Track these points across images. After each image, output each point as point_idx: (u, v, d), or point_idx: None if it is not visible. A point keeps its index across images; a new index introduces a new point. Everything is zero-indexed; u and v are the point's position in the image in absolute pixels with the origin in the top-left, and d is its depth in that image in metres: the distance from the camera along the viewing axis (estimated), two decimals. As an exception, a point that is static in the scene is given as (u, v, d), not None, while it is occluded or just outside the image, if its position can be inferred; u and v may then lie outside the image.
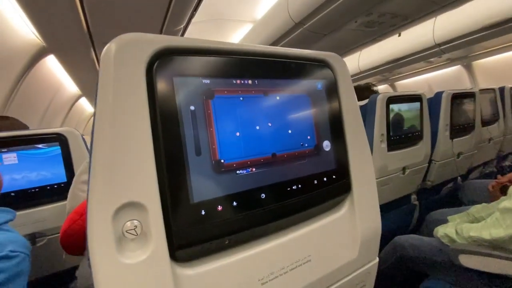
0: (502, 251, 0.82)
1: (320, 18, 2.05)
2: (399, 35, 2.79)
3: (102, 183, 0.27)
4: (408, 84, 4.84)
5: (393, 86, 5.07)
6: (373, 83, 4.83)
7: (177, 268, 0.31)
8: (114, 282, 0.27)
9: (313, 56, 0.46)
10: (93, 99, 4.29)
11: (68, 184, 1.04)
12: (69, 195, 0.74)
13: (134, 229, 0.29)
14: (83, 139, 1.11)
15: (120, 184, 0.28)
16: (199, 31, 2.97)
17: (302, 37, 2.44)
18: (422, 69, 4.26)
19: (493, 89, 2.00)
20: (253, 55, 0.39)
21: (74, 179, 0.74)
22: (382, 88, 5.12)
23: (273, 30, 2.51)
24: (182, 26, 1.84)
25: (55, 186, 1.02)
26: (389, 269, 1.13)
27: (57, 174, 1.02)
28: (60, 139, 1.02)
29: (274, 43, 2.62)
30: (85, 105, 4.61)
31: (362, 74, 4.22)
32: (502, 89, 2.13)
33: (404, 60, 3.50)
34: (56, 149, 1.01)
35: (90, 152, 0.29)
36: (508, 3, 2.32)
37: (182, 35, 2.02)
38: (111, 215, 0.27)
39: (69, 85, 3.29)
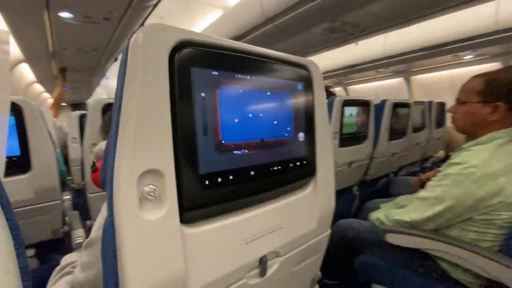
0: (418, 231, 1.05)
1: (292, 17, 2.17)
2: (356, 44, 3.10)
3: (129, 152, 0.32)
4: (359, 89, 5.37)
5: (345, 89, 5.57)
6: (330, 85, 5.20)
7: (183, 227, 0.38)
8: (136, 234, 0.33)
9: (297, 61, 0.55)
10: (36, 66, 3.71)
11: (21, 157, 0.97)
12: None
13: (153, 191, 0.34)
14: (40, 111, 1.03)
15: (145, 153, 0.33)
16: (165, 8, 2.83)
17: (271, 33, 2.53)
18: (372, 77, 4.77)
19: (423, 102, 2.40)
20: (252, 54, 0.47)
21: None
22: (337, 90, 5.58)
23: (243, 21, 2.55)
24: (154, 2, 1.76)
25: (7, 160, 0.93)
26: (332, 247, 1.32)
27: (9, 146, 0.94)
28: (14, 109, 0.93)
29: (243, 34, 2.66)
30: (26, 72, 3.97)
31: (323, 75, 4.54)
32: (430, 103, 2.56)
33: (358, 67, 3.89)
34: (10, 119, 0.92)
35: (115, 123, 0.33)
36: (441, 32, 2.77)
37: (152, 10, 1.92)
38: (136, 179, 0.33)
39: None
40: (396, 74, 4.39)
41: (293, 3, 2.03)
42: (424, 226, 1.03)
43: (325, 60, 4.12)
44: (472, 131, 1.01)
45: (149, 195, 0.34)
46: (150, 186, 0.34)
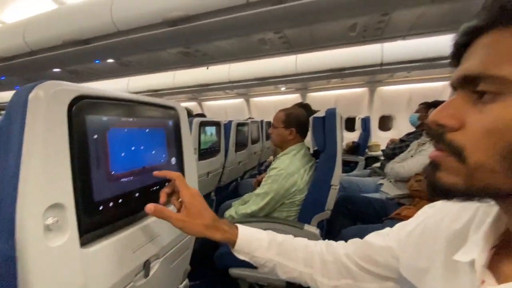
0: (256, 218, 1.46)
1: (146, 36, 2.21)
2: (207, 68, 3.56)
3: (34, 191, 0.38)
4: (212, 105, 6.01)
5: (200, 105, 6.06)
6: (184, 99, 5.43)
7: (82, 249, 0.45)
8: (42, 260, 0.38)
9: (168, 104, 0.72)
10: None
11: None
12: None
13: (56, 222, 0.41)
14: None
15: (48, 191, 0.39)
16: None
17: (124, 45, 2.43)
18: (221, 96, 5.51)
19: (257, 121, 3.15)
20: (135, 102, 0.59)
21: None
22: (192, 105, 5.95)
23: (89, 26, 2.29)
24: None
25: None
26: (198, 247, 1.53)
27: None
28: None
29: (89, 40, 2.39)
30: None
31: (176, 90, 4.73)
32: (262, 121, 3.39)
33: (209, 87, 4.40)
34: None
35: (13, 165, 0.37)
36: (267, 68, 3.74)
37: None
38: (42, 213, 0.38)
39: None
40: (239, 95, 5.36)
41: (145, 24, 2.10)
42: (260, 214, 1.45)
43: (180, 77, 4.35)
44: (281, 146, 1.56)
45: (53, 226, 0.40)
46: (53, 218, 0.40)
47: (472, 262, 0.36)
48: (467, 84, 0.31)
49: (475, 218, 0.42)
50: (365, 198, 1.82)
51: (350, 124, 5.07)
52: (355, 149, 3.52)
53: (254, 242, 0.61)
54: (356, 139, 4.21)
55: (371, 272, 0.56)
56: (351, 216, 1.81)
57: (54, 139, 0.41)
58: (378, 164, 2.88)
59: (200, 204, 0.59)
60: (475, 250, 0.36)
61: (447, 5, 1.91)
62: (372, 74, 3.89)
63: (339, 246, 0.61)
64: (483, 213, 0.41)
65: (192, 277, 1.62)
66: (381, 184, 2.15)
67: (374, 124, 4.72)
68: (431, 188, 0.35)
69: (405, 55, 3.34)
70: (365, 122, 3.81)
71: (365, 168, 3.37)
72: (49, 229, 0.40)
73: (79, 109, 0.45)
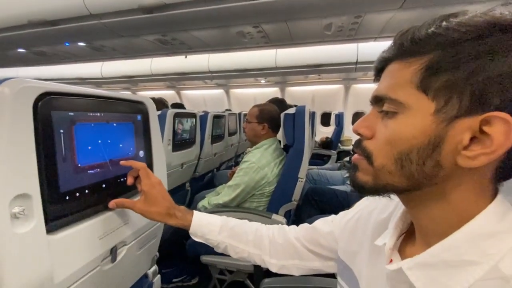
0: (227, 208, 1.53)
1: (120, 21, 2.14)
2: (186, 57, 3.50)
3: (0, 180, 0.41)
4: (191, 94, 5.91)
5: (178, 94, 5.93)
6: (162, 87, 5.28)
7: (48, 235, 0.49)
8: (9, 245, 0.42)
9: (136, 99, 0.75)
10: None
11: None
12: None
13: (23, 211, 0.44)
14: None
15: (14, 181, 0.42)
16: None
17: (96, 29, 2.33)
18: (200, 86, 5.43)
19: (235, 113, 3.18)
20: (102, 97, 0.62)
21: None
22: (170, 94, 5.81)
23: (59, 5, 2.16)
24: None
25: None
26: (170, 237, 1.58)
27: None
28: None
29: (56, 22, 2.25)
30: None
31: (154, 77, 4.60)
32: (240, 113, 3.43)
33: (187, 76, 4.33)
34: None
35: None
36: (246, 60, 3.75)
37: None
38: (8, 202, 0.41)
39: None
40: (219, 86, 5.32)
41: (120, 9, 2.03)
42: (231, 204, 1.52)
43: (158, 64, 4.23)
44: (254, 140, 1.62)
45: (20, 214, 0.43)
46: (20, 207, 0.44)
47: (384, 245, 0.44)
48: (378, 103, 0.39)
49: (395, 210, 0.51)
50: (331, 190, 1.95)
51: (326, 119, 5.25)
52: (328, 144, 3.68)
53: (206, 227, 0.68)
54: (330, 134, 4.39)
55: (316, 253, 0.65)
56: (317, 207, 1.93)
57: (20, 134, 0.44)
58: (347, 158, 3.05)
59: (158, 193, 0.65)
60: (388, 237, 0.45)
61: (415, 11, 2.04)
62: (348, 72, 4.04)
63: (291, 230, 0.69)
64: (400, 206, 0.50)
65: (165, 265, 1.67)
66: (348, 177, 2.30)
67: (348, 120, 4.94)
68: (352, 184, 0.43)
69: (378, 55, 3.50)
70: (339, 117, 3.98)
71: (336, 161, 3.55)
72: (16, 217, 0.43)
73: (45, 105, 0.48)
